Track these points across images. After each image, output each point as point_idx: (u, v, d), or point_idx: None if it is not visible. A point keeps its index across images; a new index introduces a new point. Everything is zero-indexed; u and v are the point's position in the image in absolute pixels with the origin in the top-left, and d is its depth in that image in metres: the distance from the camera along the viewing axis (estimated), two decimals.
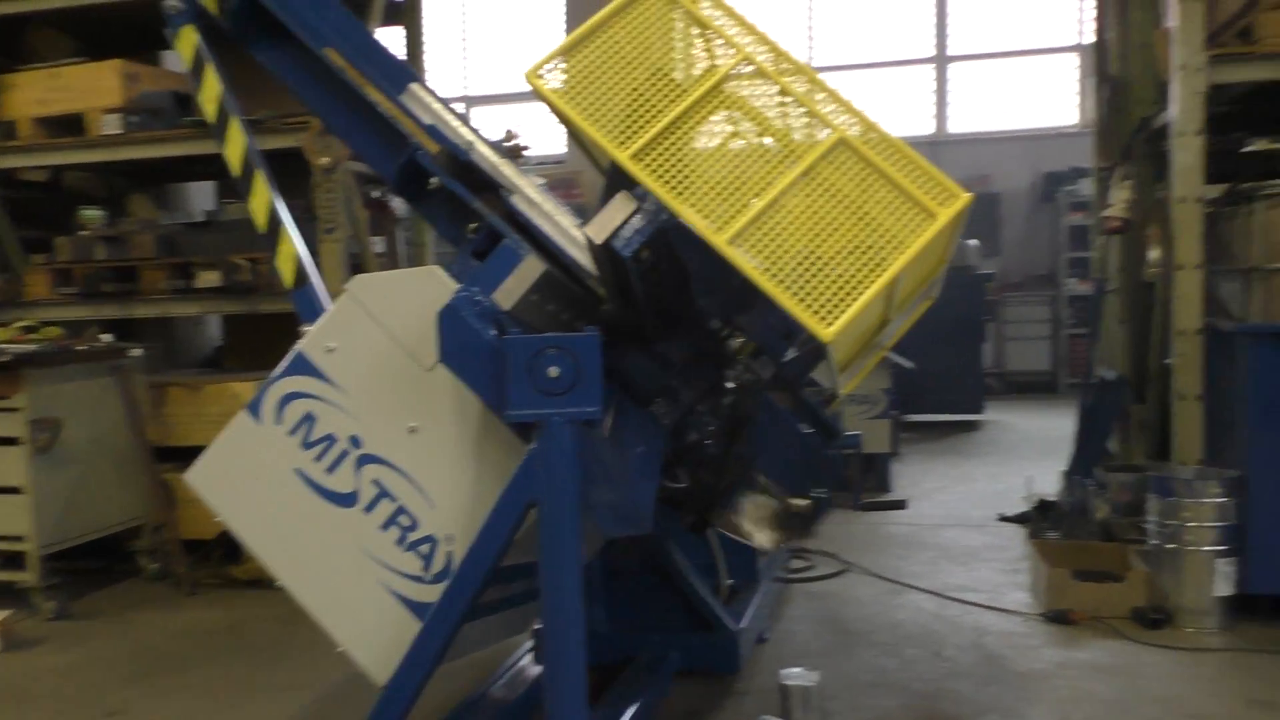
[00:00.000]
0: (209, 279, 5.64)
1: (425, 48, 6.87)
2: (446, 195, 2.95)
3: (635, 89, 2.50)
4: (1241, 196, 4.60)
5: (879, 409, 6.99)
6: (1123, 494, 5.26)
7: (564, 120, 2.67)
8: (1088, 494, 5.33)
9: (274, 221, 3.03)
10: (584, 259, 2.88)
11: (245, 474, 2.76)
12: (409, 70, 3.08)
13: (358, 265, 5.98)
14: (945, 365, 9.50)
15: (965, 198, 2.39)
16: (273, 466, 2.75)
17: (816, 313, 2.27)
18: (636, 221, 2.35)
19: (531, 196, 2.95)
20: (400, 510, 2.68)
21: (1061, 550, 4.85)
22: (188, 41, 3.17)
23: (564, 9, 14.23)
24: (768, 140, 2.49)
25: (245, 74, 6.17)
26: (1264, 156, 4.87)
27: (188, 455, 2.76)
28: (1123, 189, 5.11)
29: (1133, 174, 5.24)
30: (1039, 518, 5.66)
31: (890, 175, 2.38)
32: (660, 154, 2.40)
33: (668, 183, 2.37)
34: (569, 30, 14.23)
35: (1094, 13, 6.68)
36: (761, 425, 2.82)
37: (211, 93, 3.10)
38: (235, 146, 3.06)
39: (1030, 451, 8.59)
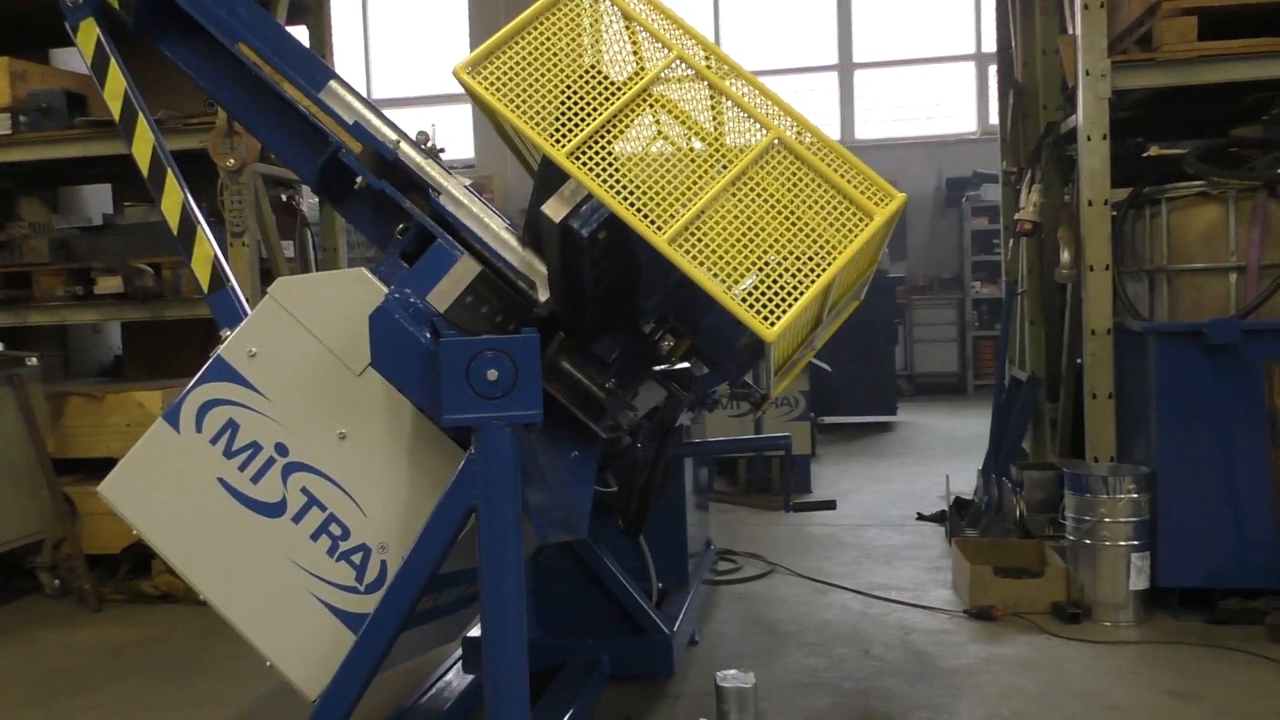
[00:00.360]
0: (109, 285, 5.42)
1: (332, 49, 6.73)
2: (372, 196, 2.86)
3: (569, 86, 2.45)
4: (1145, 200, 4.74)
5: (798, 411, 7.05)
6: (1036, 491, 5.38)
7: (494, 117, 2.61)
8: (1004, 492, 5.44)
9: (187, 223, 2.91)
10: (516, 260, 2.82)
11: (164, 485, 2.64)
12: (326, 67, 2.99)
13: (267, 270, 5.81)
14: (859, 368, 9.65)
15: (900, 198, 2.40)
16: (193, 477, 2.63)
17: (759, 313, 2.25)
18: (596, 201, 2.32)
19: (459, 197, 2.88)
20: (331, 519, 2.59)
21: (981, 548, 4.94)
22: (89, 36, 3.03)
23: (467, 11, 14.11)
24: (701, 143, 2.46)
25: (143, 72, 5.98)
26: (1163, 161, 5.03)
27: (89, 467, 2.65)
28: (1033, 193, 5.24)
29: (1042, 178, 5.37)
30: (957, 516, 5.76)
31: (827, 175, 2.38)
32: (596, 152, 2.36)
33: (605, 181, 2.33)
34: (472, 33, 14.12)
35: (995, 20, 6.84)
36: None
37: (116, 89, 2.96)
38: (144, 145, 2.93)
39: (943, 451, 8.77)
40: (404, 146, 2.77)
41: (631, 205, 2.31)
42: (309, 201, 7.58)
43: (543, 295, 2.79)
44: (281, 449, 2.62)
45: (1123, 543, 4.33)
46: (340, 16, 14.45)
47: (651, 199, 2.33)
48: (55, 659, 4.48)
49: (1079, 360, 5.12)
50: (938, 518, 6.23)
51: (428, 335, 2.38)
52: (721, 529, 6.13)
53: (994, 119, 13.21)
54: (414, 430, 2.57)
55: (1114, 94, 4.68)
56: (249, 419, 2.63)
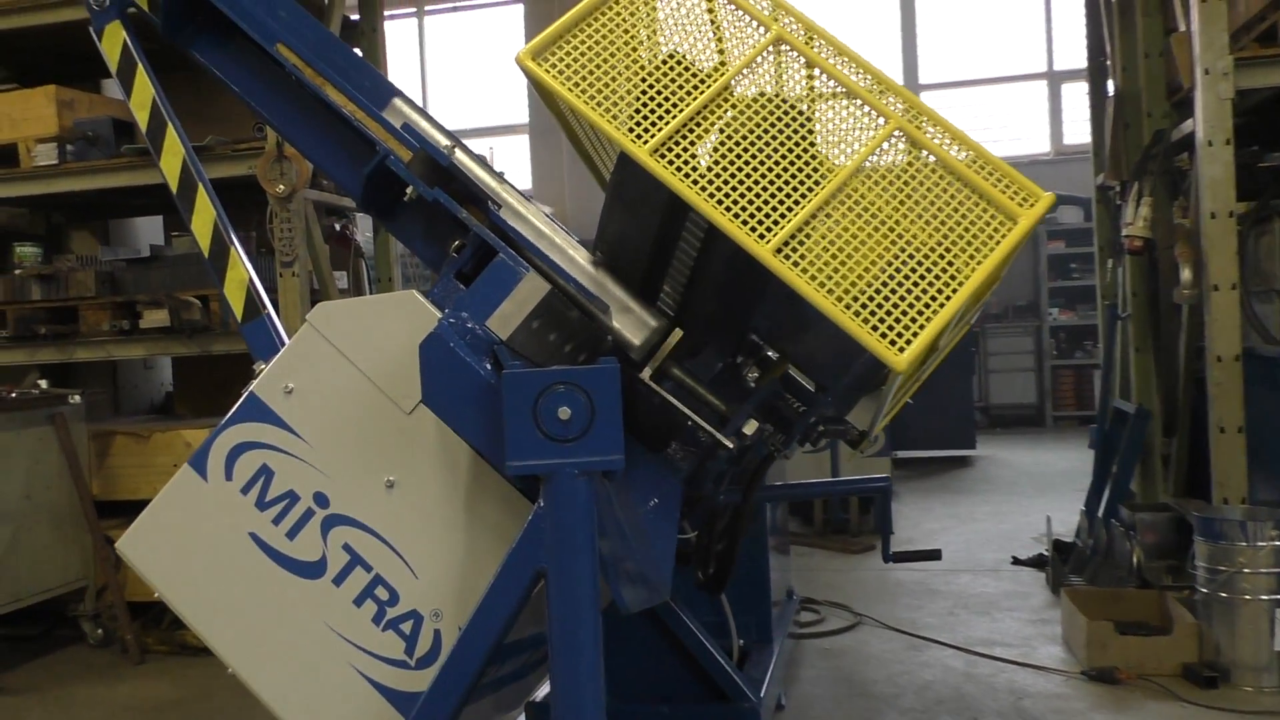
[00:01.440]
0: (155, 318, 5.17)
1: (386, 73, 6.48)
2: (423, 209, 2.53)
3: (649, 74, 2.10)
4: (1275, 211, 4.28)
5: (878, 446, 6.60)
6: (1149, 535, 4.89)
7: (561, 112, 2.28)
8: (1114, 536, 4.96)
9: (220, 243, 2.60)
10: (587, 281, 2.47)
11: (188, 540, 2.31)
12: (374, 71, 2.68)
13: (320, 302, 5.53)
14: (935, 399, 9.14)
15: (1048, 197, 2.01)
16: (222, 531, 2.30)
17: (884, 336, 1.86)
18: None
19: (519, 209, 2.54)
20: (377, 581, 2.24)
21: (1095, 599, 4.46)
22: (114, 40, 2.74)
23: (524, 38, 13.92)
24: (804, 136, 2.09)
25: (190, 98, 5.76)
26: None
27: (135, 509, 2.35)
28: (1143, 206, 4.79)
29: (1151, 191, 4.92)
30: (1059, 562, 5.28)
31: (960, 171, 2.00)
32: (684, 149, 2.00)
33: (695, 183, 1.96)
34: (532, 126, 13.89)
35: (1086, 27, 6.41)
36: None
37: (144, 97, 2.67)
38: (172, 158, 2.63)
39: (1027, 488, 8.24)
40: (459, 154, 2.43)
41: (727, 209, 1.94)
42: (364, 234, 7.35)
43: (631, 331, 2.42)
44: (321, 499, 2.28)
45: (1264, 596, 3.84)
46: (397, 45, 14.46)
47: (750, 202, 1.96)
48: (93, 716, 4.18)
49: (1196, 390, 4.65)
50: (1036, 562, 5.74)
51: (488, 366, 2.03)
52: (799, 574, 5.69)
53: (1069, 138, 12.77)
54: (473, 478, 2.22)
55: (1236, 94, 4.24)
56: (285, 465, 2.29)
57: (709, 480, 2.84)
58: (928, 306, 1.89)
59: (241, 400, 2.33)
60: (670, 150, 1.99)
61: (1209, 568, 3.96)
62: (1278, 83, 4.28)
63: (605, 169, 2.71)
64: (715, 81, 2.06)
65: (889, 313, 1.88)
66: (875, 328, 1.87)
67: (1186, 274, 4.28)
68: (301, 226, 5.15)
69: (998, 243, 1.95)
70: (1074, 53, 12.39)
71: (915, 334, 1.86)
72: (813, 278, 1.90)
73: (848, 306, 1.88)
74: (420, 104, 2.58)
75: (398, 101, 2.64)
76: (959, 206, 1.98)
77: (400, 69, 14.48)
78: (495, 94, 14.36)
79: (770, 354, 2.78)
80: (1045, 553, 5.74)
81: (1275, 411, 4.09)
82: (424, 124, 2.52)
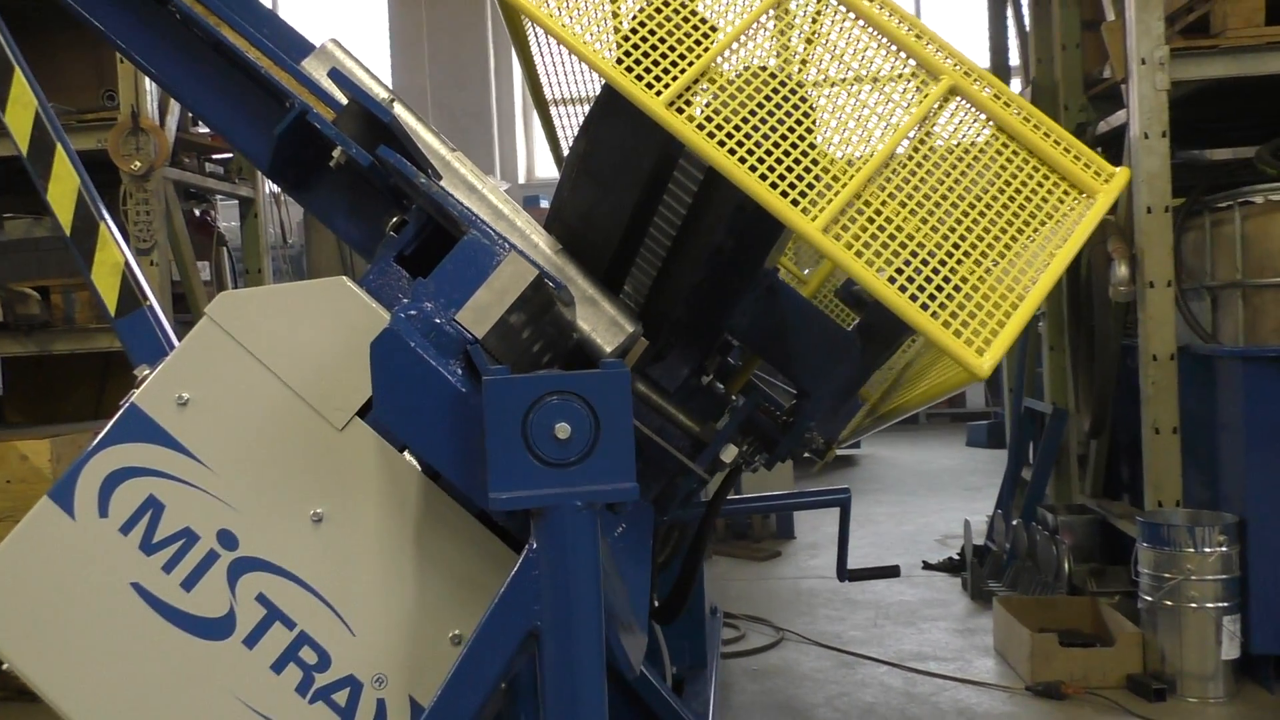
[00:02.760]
0: None
1: None
2: (348, 179, 2.09)
3: (652, 14, 1.72)
4: (1206, 207, 4.18)
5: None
6: (1069, 537, 4.76)
7: (528, 51, 1.87)
8: (1036, 539, 4.81)
9: (85, 218, 2.08)
10: (550, 267, 2.07)
11: (49, 594, 1.81)
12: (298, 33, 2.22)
13: (181, 295, 4.93)
14: None
15: (1124, 172, 1.72)
16: (95, 581, 1.81)
17: (957, 334, 1.53)
18: None
19: (471, 180, 2.12)
20: (302, 640, 1.79)
21: (1027, 608, 4.28)
22: None
23: (387, 15, 13.26)
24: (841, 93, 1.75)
25: (29, 63, 5.04)
26: (1213, 168, 4.50)
27: None
28: None
29: None
30: (978, 568, 5.11)
31: (1027, 138, 1.68)
32: (709, 102, 1.62)
33: (722, 144, 1.59)
34: (393, 39, 13.29)
35: (988, 19, 6.29)
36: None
37: None
38: (22, 110, 2.10)
39: (918, 487, 8.16)
40: (399, 109, 2.00)
41: (764, 179, 1.58)
42: (226, 223, 6.70)
43: (585, 321, 2.05)
44: (227, 539, 1.81)
45: (1211, 604, 3.71)
46: (316, 28, 13.59)
47: (790, 169, 1.60)
48: None
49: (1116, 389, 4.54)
50: (948, 566, 5.58)
51: (460, 371, 1.61)
52: (709, 585, 5.37)
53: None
54: (425, 508, 1.79)
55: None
56: (178, 496, 1.81)
57: (677, 500, 2.48)
58: (1003, 299, 1.56)
59: (119, 414, 1.84)
60: (691, 103, 1.61)
61: (1153, 574, 3.80)
62: (1213, 74, 4.16)
63: (563, 130, 2.31)
64: (740, 25, 1.69)
65: (961, 306, 1.54)
66: (947, 324, 1.53)
67: (1122, 270, 4.13)
68: (161, 209, 4.55)
69: (1075, 223, 1.64)
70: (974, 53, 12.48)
71: (995, 331, 1.53)
72: (869, 264, 1.54)
73: (913, 299, 1.53)
74: None
75: (329, 45, 2.18)
76: (1028, 180, 1.66)
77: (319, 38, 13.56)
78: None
79: (732, 360, 2.46)
80: (955, 556, 5.59)
81: (1208, 411, 3.98)
82: (359, 72, 2.07)
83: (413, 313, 1.62)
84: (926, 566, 5.68)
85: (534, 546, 1.52)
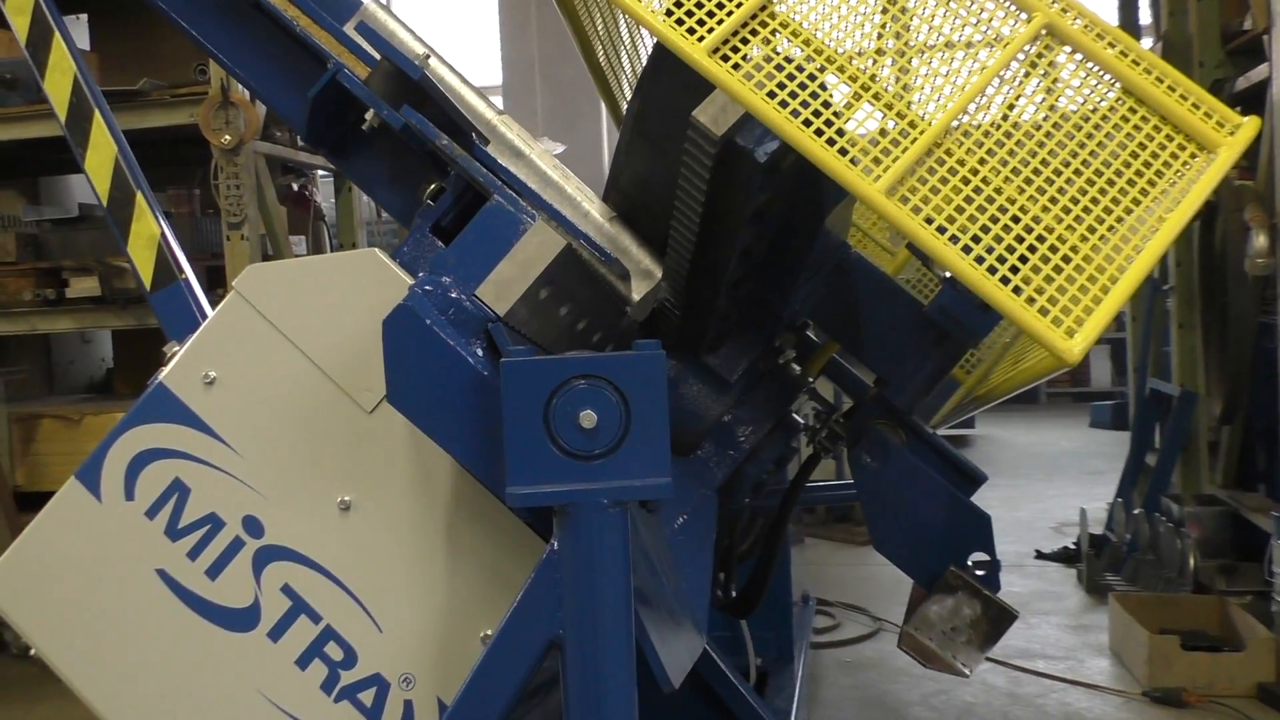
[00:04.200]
0: (84, 287, 4.55)
1: None
2: (387, 143, 1.97)
3: None
4: None
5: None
6: (1197, 530, 4.41)
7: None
8: (1159, 531, 4.47)
9: (122, 189, 2.01)
10: (602, 239, 1.92)
11: (75, 579, 1.74)
12: None
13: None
14: None
15: (1252, 121, 1.47)
16: (120, 567, 1.73)
17: (1044, 313, 1.32)
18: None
19: (518, 145, 1.98)
20: (328, 635, 1.68)
21: (1146, 606, 3.97)
22: None
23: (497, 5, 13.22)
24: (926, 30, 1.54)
25: (124, 39, 5.10)
26: None
27: None
28: None
29: None
30: (1094, 559, 4.79)
31: (1134, 81, 1.45)
32: (760, 47, 1.44)
33: (773, 95, 1.40)
34: (503, 27, 13.34)
35: None
36: (891, 479, 1.87)
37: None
38: (60, 76, 2.03)
39: (1035, 471, 7.78)
40: (436, 65, 1.86)
41: (819, 134, 1.39)
42: (327, 198, 6.73)
43: (637, 292, 1.89)
44: (253, 526, 1.71)
45: None
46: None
47: (845, 123, 1.41)
48: None
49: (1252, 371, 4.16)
50: (1062, 556, 5.26)
51: (479, 352, 1.47)
52: (805, 570, 5.18)
53: None
54: (458, 498, 1.66)
55: None
56: (204, 480, 1.73)
57: (746, 489, 2.30)
58: (1100, 272, 1.34)
59: (147, 392, 1.76)
60: (738, 50, 1.42)
61: None
62: None
63: (621, 92, 2.14)
64: None
65: (1049, 279, 1.33)
66: (1032, 300, 1.32)
67: (1260, 241, 3.77)
68: (251, 182, 4.54)
69: (1191, 183, 1.40)
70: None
71: (1088, 309, 1.32)
72: (940, 232, 1.34)
73: (992, 270, 1.33)
74: None
75: (368, 4, 2.06)
76: (1134, 132, 1.43)
77: None
78: (466, 53, 13.68)
79: (813, 336, 2.26)
80: (1071, 546, 5.27)
81: None
82: (393, 25, 1.94)
83: (429, 287, 1.48)
84: (1040, 556, 5.38)
85: (555, 547, 1.37)
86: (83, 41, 5.93)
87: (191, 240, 4.81)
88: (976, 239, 1.34)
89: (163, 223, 2.01)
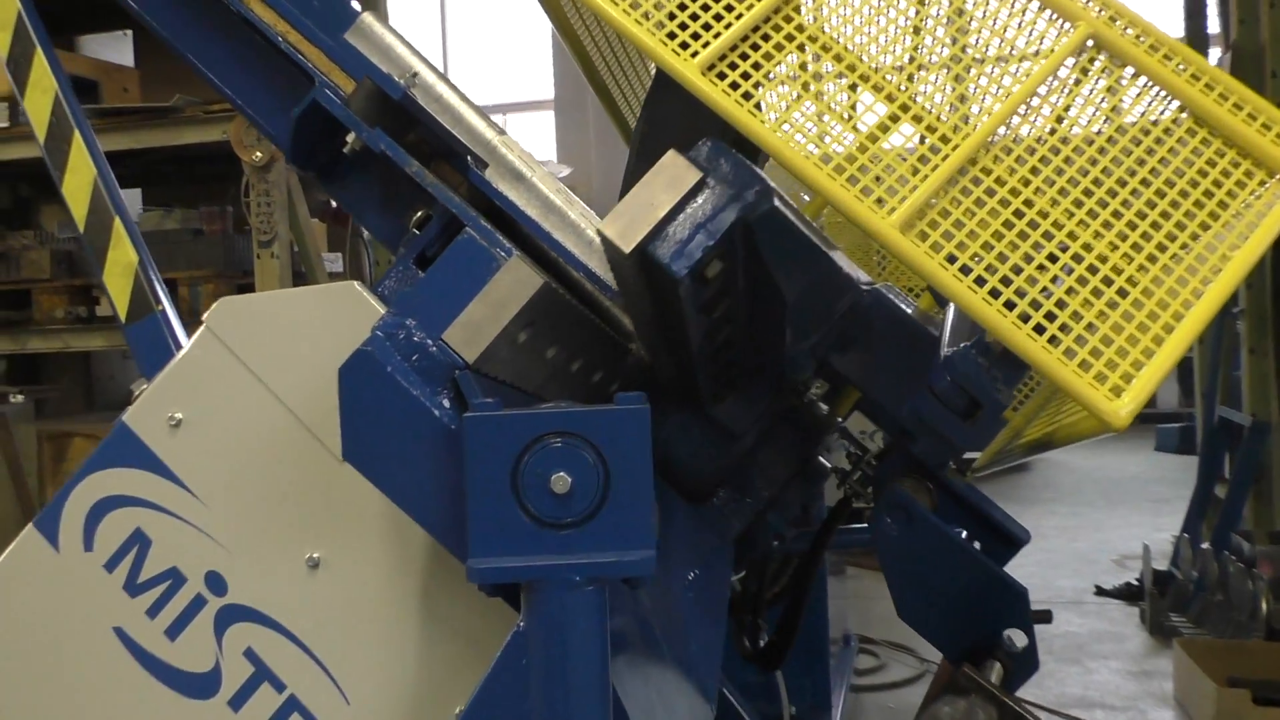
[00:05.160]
0: None
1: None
2: (378, 167, 1.82)
3: None
4: None
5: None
6: (1269, 569, 4.13)
7: (576, 29, 1.56)
8: (1228, 571, 4.20)
9: (100, 214, 1.90)
10: (600, 270, 1.77)
11: (27, 635, 1.62)
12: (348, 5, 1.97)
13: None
14: None
15: None
16: (76, 623, 1.60)
17: (1085, 367, 1.14)
18: (700, 209, 1.23)
19: (519, 168, 1.83)
20: (292, 706, 1.54)
21: (1214, 652, 3.71)
22: None
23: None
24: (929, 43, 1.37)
25: (159, 56, 5.05)
26: None
27: None
28: None
29: None
30: (1158, 598, 4.52)
31: (1195, 100, 1.26)
32: (756, 66, 1.27)
33: (768, 114, 1.24)
34: (555, 37, 13.34)
35: None
36: (914, 546, 1.68)
37: (6, 13, 1.95)
38: (40, 95, 1.93)
39: (1097, 498, 7.48)
40: (427, 78, 1.72)
41: (831, 166, 1.22)
42: None
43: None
44: (216, 583, 1.58)
45: None
46: (418, 15, 13.76)
47: (857, 156, 1.24)
48: None
49: None
50: (1124, 593, 4.99)
51: (447, 403, 1.32)
52: (847, 605, 4.97)
53: None
54: (435, 559, 1.51)
55: None
56: (167, 531, 1.59)
57: (769, 538, 2.12)
58: (1152, 319, 1.16)
59: (110, 435, 1.63)
60: (735, 67, 1.26)
61: None
62: None
63: (630, 114, 1.99)
64: None
65: (1092, 327, 1.15)
66: (1071, 352, 1.14)
67: None
68: (282, 199, 4.46)
69: (1261, 214, 1.21)
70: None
71: (1137, 364, 1.13)
72: (964, 272, 1.17)
73: (1025, 318, 1.15)
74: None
75: (366, 19, 1.92)
76: (1193, 156, 1.24)
77: (421, 40, 13.81)
78: (519, 68, 13.68)
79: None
80: (1134, 582, 5.00)
81: None
82: (387, 40, 1.80)
83: (391, 330, 1.33)
84: (1100, 592, 5.11)
85: (521, 627, 1.21)
86: (126, 58, 5.95)
87: (224, 259, 4.75)
88: (1007, 280, 1.16)
89: (142, 250, 1.89)
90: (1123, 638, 4.47)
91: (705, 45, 1.26)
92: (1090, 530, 6.43)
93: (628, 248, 1.23)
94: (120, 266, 1.84)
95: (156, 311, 1.82)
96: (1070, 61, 1.27)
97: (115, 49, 6.03)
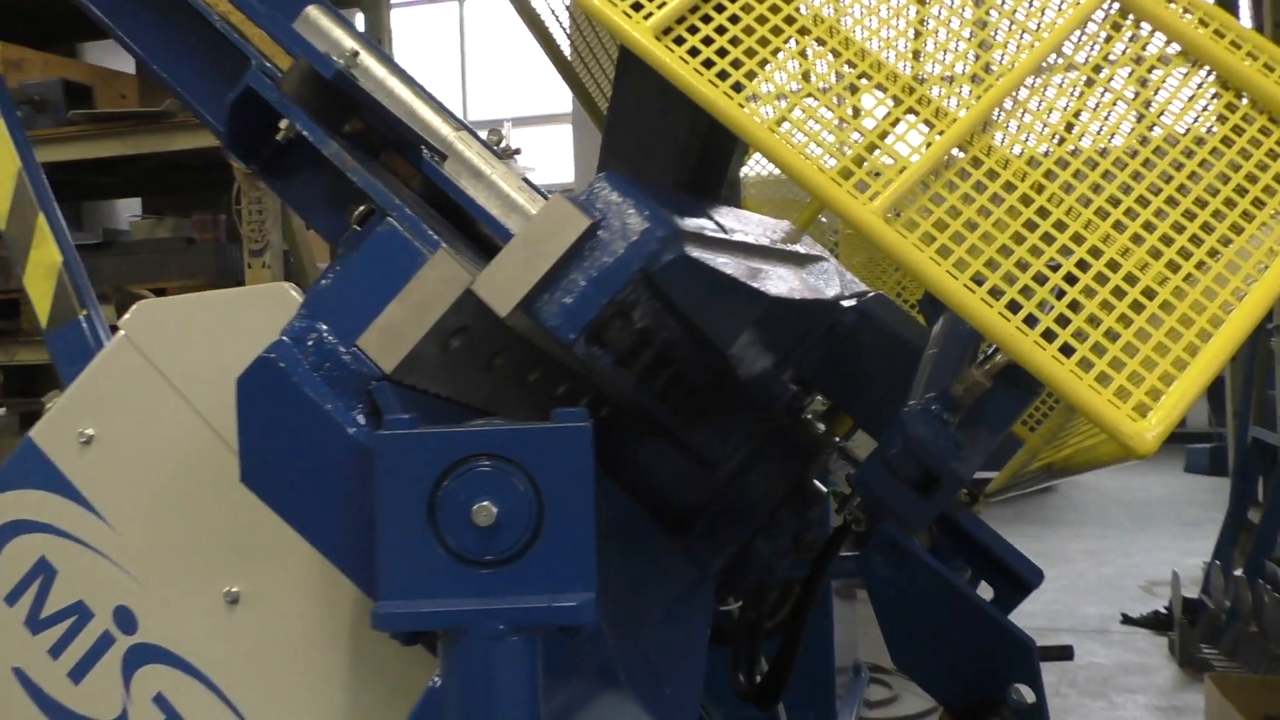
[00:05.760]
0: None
1: (391, 36, 5.63)
2: (326, 161, 1.66)
3: None
4: None
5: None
6: None
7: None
8: (1263, 600, 3.97)
9: (23, 210, 1.74)
10: None
11: None
12: None
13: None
14: None
15: None
16: None
17: (1103, 381, 0.95)
18: (590, 263, 1.04)
19: (477, 164, 1.66)
20: None
21: (1247, 689, 3.48)
22: None
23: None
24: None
25: None
26: None
27: None
28: None
29: None
30: (1187, 628, 4.29)
31: (1230, 66, 1.08)
32: (720, 30, 1.10)
33: (735, 85, 1.06)
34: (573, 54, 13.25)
35: None
36: (907, 591, 1.48)
37: None
38: None
39: (1124, 520, 7.22)
40: (367, 60, 1.56)
41: (804, 143, 1.04)
42: None
43: None
44: (125, 619, 1.41)
45: None
46: (436, 30, 13.70)
47: (834, 130, 1.07)
48: None
49: None
50: (1152, 622, 4.75)
51: (363, 419, 1.14)
52: (860, 630, 4.76)
53: None
54: (363, 596, 1.33)
55: None
56: (74, 560, 1.43)
57: (758, 568, 1.94)
58: (1185, 326, 0.97)
59: (15, 453, 1.47)
60: (695, 31, 1.08)
61: None
62: None
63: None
64: None
65: (1113, 334, 0.96)
66: (1088, 364, 0.95)
67: None
68: (275, 207, 4.32)
69: None
70: None
71: (1165, 380, 0.95)
72: (961, 268, 0.99)
73: (1032, 322, 0.96)
74: (462, 94, 1.72)
75: (314, 8, 1.76)
76: (1233, 135, 1.06)
77: (440, 55, 13.74)
78: (537, 81, 13.58)
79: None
80: (1163, 610, 4.76)
81: None
82: (325, 22, 1.64)
83: (299, 336, 1.16)
84: (1126, 620, 4.87)
85: (437, 683, 1.04)
86: (128, 65, 5.85)
87: (216, 267, 4.62)
88: (1011, 279, 0.98)
89: (68, 251, 1.73)
90: (1151, 670, 4.23)
91: (660, 6, 1.09)
92: (1117, 554, 6.19)
93: (504, 311, 1.06)
94: (43, 268, 1.68)
95: (80, 316, 1.66)
96: (1098, 19, 1.09)
97: (118, 56, 5.94)
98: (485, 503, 1.02)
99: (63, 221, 1.76)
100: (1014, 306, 0.97)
